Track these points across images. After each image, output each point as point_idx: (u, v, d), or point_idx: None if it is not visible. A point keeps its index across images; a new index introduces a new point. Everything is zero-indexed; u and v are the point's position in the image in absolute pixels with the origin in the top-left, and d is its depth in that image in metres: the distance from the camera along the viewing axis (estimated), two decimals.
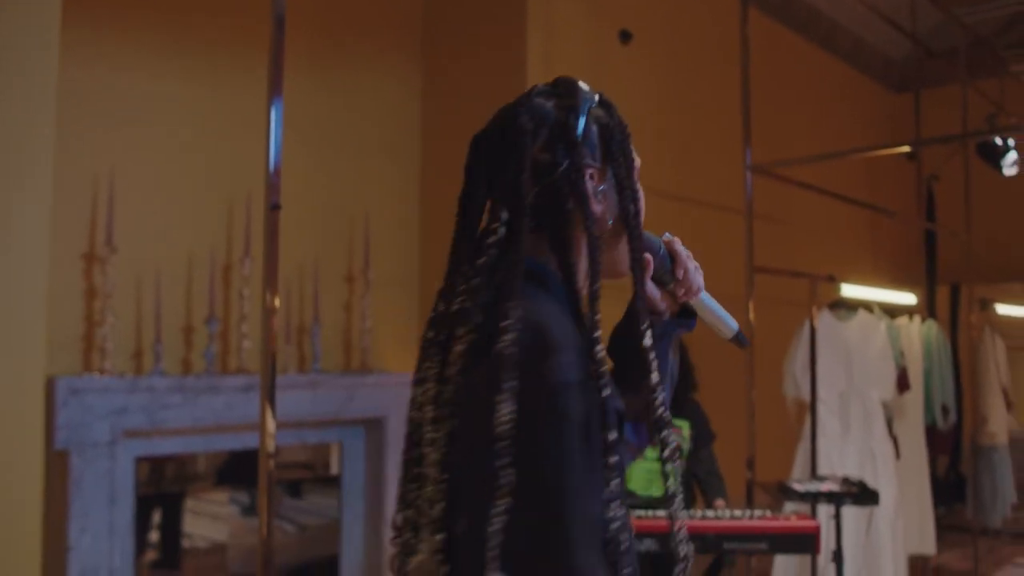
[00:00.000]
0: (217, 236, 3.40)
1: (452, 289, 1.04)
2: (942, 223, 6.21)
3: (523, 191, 0.99)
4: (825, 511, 3.20)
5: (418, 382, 1.05)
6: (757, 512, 2.85)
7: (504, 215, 1.01)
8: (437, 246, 4.07)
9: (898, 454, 4.24)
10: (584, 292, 1.04)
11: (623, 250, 1.08)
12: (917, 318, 4.81)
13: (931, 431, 4.84)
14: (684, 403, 3.20)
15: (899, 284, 5.36)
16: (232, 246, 3.42)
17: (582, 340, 0.97)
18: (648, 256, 1.08)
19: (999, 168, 5.82)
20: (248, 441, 3.27)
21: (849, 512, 3.49)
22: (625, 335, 1.13)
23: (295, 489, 3.92)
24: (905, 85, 7.08)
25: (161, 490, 3.41)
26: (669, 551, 2.73)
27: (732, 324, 1.23)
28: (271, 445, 1.92)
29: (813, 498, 3.06)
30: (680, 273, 1.14)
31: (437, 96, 4.15)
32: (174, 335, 3.27)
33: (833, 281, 3.90)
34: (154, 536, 3.41)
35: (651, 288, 1.13)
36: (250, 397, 3.14)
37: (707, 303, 1.21)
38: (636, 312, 1.04)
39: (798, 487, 3.10)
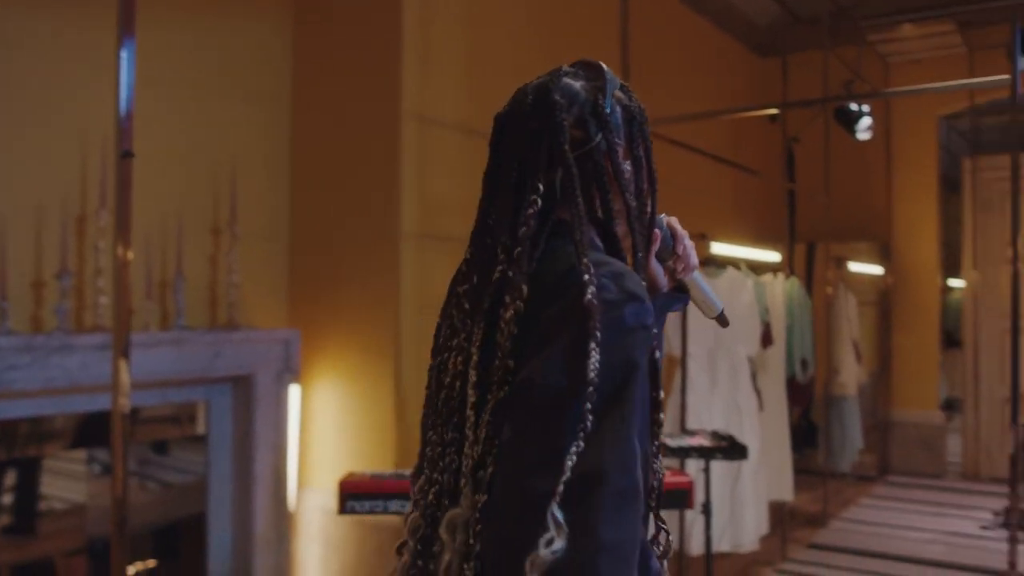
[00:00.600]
0: (70, 184, 3.16)
1: (482, 262, 1.07)
2: (801, 184, 6.49)
3: (569, 159, 1.04)
4: (695, 465, 3.31)
5: (453, 349, 1.08)
6: None
7: (540, 187, 1.04)
8: (309, 198, 3.94)
9: (761, 406, 4.45)
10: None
11: None
12: (781, 275, 5.02)
13: (791, 383, 5.09)
14: None
15: (763, 242, 5.59)
16: (87, 195, 3.19)
17: None
18: (656, 231, 1.16)
19: (853, 133, 6.12)
20: (106, 403, 3.09)
21: (717, 464, 3.63)
22: None
23: (161, 447, 3.76)
24: (770, 50, 7.31)
25: (13, 454, 3.19)
26: None
27: (717, 304, 1.28)
28: (125, 405, 1.80)
29: (684, 453, 3.14)
30: (680, 249, 1.21)
31: (309, 39, 3.98)
32: (22, 291, 3.04)
33: (705, 239, 4.00)
34: (7, 500, 3.20)
35: (654, 265, 1.18)
36: (108, 356, 2.95)
37: (699, 282, 1.26)
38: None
39: (670, 443, 3.19)
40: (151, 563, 3.56)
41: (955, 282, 8.70)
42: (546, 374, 0.92)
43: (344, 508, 2.67)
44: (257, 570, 3.59)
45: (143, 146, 2.99)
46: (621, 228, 1.09)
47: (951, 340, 8.74)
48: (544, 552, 0.85)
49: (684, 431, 3.68)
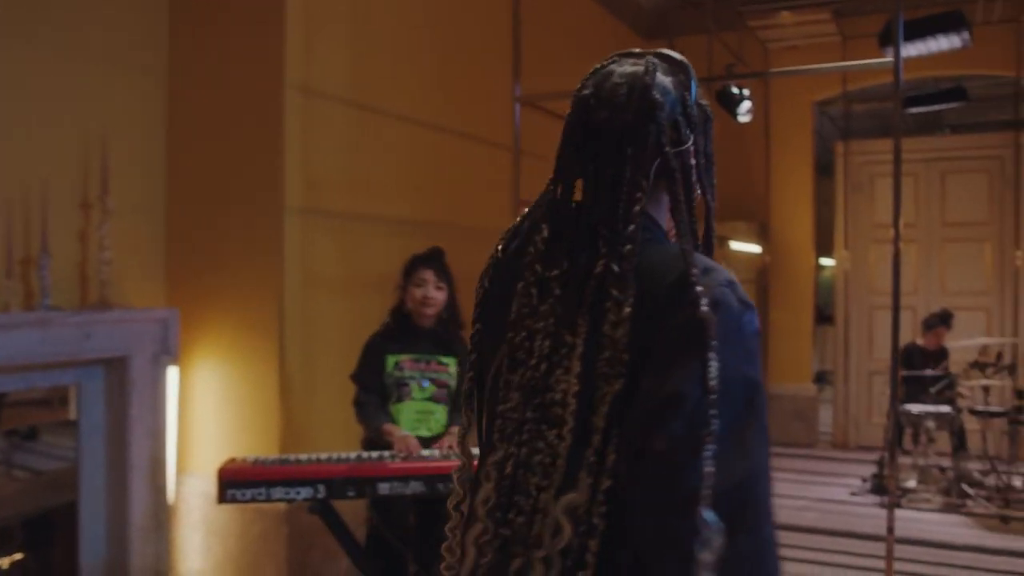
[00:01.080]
0: None
1: (576, 248, 1.08)
2: None
3: (674, 163, 1.09)
4: None
5: (539, 332, 1.07)
6: None
7: (645, 185, 1.07)
8: (187, 171, 3.76)
9: None
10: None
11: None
12: None
13: None
14: (453, 340, 3.19)
15: None
16: None
17: None
18: None
19: (734, 115, 6.30)
20: None
21: None
22: None
23: (31, 432, 3.55)
24: (657, 33, 7.45)
25: None
26: (436, 492, 2.71)
27: None
28: None
29: None
30: None
31: (187, 7, 3.79)
32: None
33: None
34: None
35: None
36: None
37: None
38: None
39: None
40: (17, 556, 3.37)
41: (827, 261, 9.11)
42: (692, 386, 0.96)
43: (224, 496, 2.57)
44: (134, 560, 3.44)
45: (3, 113, 2.79)
46: (701, 228, 1.13)
47: (822, 316, 9.17)
48: (705, 551, 0.92)
49: None
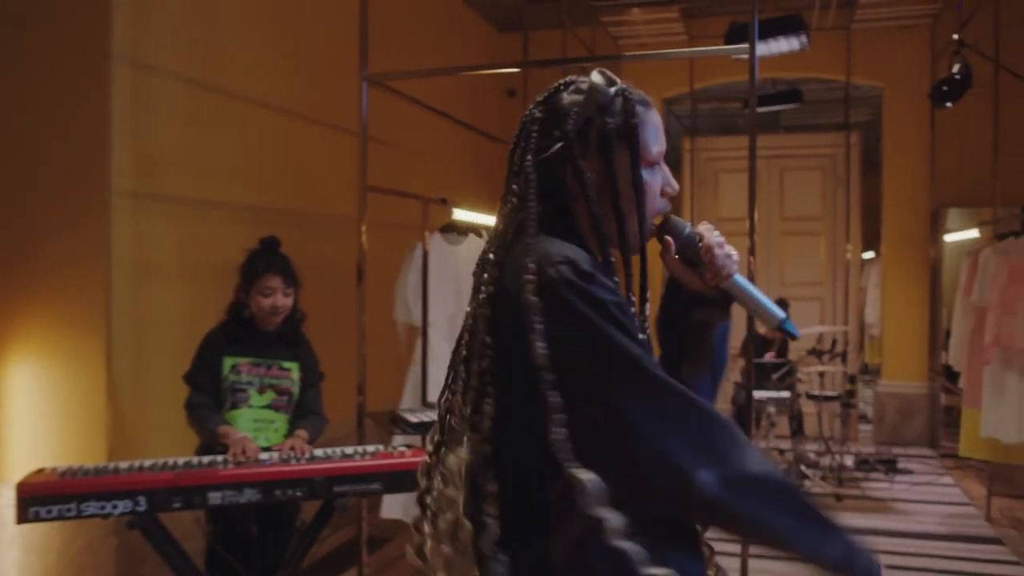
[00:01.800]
0: None
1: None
2: None
3: (526, 167, 1.21)
4: None
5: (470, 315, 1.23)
6: (369, 448, 2.73)
7: (515, 188, 1.22)
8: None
9: None
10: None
11: (631, 227, 1.20)
12: None
13: None
14: (295, 342, 2.99)
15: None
16: None
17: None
18: (668, 239, 1.24)
19: None
20: None
21: None
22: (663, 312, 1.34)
23: None
24: (511, 26, 7.43)
25: None
26: (273, 500, 2.52)
27: (776, 312, 1.22)
28: None
29: (426, 429, 3.01)
30: (707, 257, 1.22)
31: None
32: None
33: (446, 204, 3.92)
34: None
35: (680, 269, 1.27)
36: None
37: (745, 288, 1.24)
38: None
39: (411, 418, 3.05)
40: None
41: None
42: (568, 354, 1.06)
43: (25, 515, 2.23)
44: None
45: None
46: (584, 228, 1.21)
47: None
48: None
49: (425, 403, 3.58)
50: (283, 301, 2.87)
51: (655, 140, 1.23)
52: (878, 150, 7.67)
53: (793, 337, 1.24)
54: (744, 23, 6.22)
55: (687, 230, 1.24)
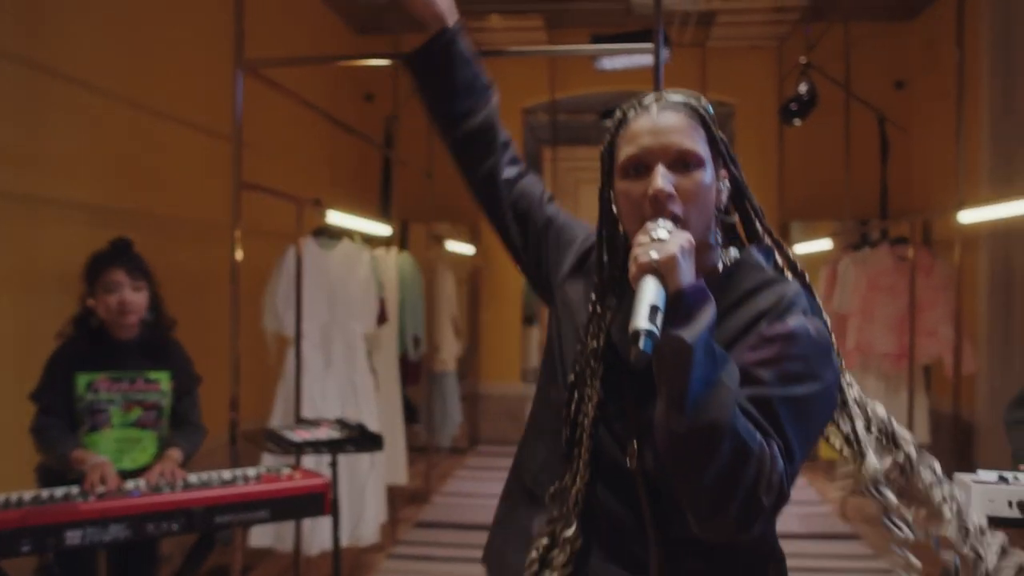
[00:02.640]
0: None
1: None
2: (408, 161, 6.44)
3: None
4: (315, 460, 2.95)
5: None
6: (251, 472, 2.45)
7: None
8: None
9: (377, 386, 4.24)
10: None
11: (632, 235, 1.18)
12: (394, 249, 4.87)
13: (403, 361, 4.97)
14: (164, 348, 2.67)
15: (369, 216, 5.39)
16: None
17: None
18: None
19: None
20: None
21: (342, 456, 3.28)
22: None
23: None
24: (370, 27, 7.21)
25: None
26: (145, 535, 2.19)
27: (635, 322, 0.99)
28: None
29: (313, 448, 2.74)
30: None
31: None
32: None
33: (320, 206, 3.66)
34: None
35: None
36: None
37: (638, 292, 1.04)
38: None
39: (294, 437, 2.76)
40: None
41: None
42: None
43: None
44: None
45: None
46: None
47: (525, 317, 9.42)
48: None
49: (300, 420, 3.29)
50: (131, 296, 2.53)
51: (630, 141, 1.19)
52: None
53: (640, 360, 0.99)
54: (609, 34, 6.30)
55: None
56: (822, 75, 5.96)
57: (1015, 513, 1.93)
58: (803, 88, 5.92)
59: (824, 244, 5.74)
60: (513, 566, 1.27)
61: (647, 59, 6.02)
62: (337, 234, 4.02)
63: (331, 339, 3.92)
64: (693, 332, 1.00)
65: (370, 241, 4.52)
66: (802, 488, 6.06)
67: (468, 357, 7.43)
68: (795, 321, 1.12)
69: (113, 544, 2.17)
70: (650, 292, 1.02)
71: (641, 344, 0.96)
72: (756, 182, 7.29)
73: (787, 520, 5.21)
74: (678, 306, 1.01)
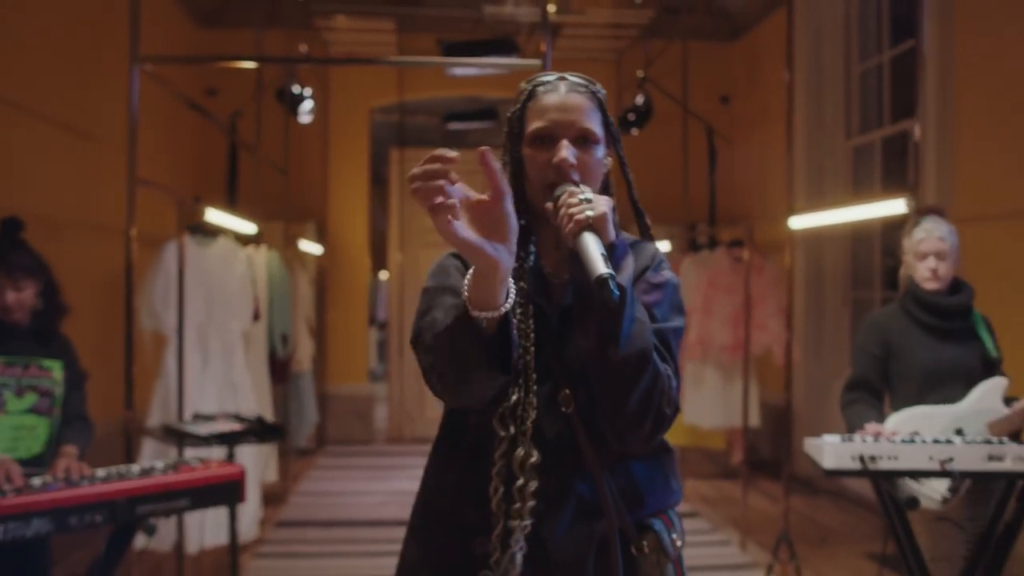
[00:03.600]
0: None
1: None
2: (262, 159, 6.35)
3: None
4: (217, 452, 2.94)
5: None
6: (160, 464, 2.46)
7: None
8: None
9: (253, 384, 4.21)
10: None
11: (536, 200, 1.37)
12: (263, 247, 4.82)
13: (272, 359, 4.94)
14: (55, 337, 2.60)
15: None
16: None
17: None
18: (548, 205, 1.31)
19: (296, 114, 6.17)
20: None
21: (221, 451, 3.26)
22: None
23: None
24: (212, 20, 7.05)
25: None
26: (68, 529, 2.19)
27: (595, 267, 1.14)
28: None
29: (219, 440, 2.75)
30: (554, 218, 1.28)
31: None
32: None
33: (199, 203, 3.62)
34: None
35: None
36: None
37: (584, 245, 1.18)
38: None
39: (199, 430, 2.77)
40: None
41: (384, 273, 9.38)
42: None
43: None
44: None
45: None
46: None
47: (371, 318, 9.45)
48: None
49: (198, 416, 3.26)
50: (12, 297, 2.47)
51: (539, 113, 1.35)
52: None
53: (609, 302, 1.13)
54: (460, 42, 6.50)
55: (559, 192, 1.28)
56: (657, 88, 6.42)
57: (857, 465, 2.31)
58: (640, 100, 6.36)
59: (663, 246, 6.20)
60: None
61: (494, 69, 6.30)
62: (213, 231, 3.98)
63: (208, 337, 3.87)
64: (624, 278, 1.22)
65: (240, 239, 4.48)
66: None
67: (315, 357, 7.41)
68: (668, 272, 1.40)
69: (35, 539, 2.12)
70: (596, 244, 1.18)
71: (612, 287, 1.12)
72: None
73: None
74: (611, 256, 1.19)
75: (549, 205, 1.28)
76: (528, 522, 1.26)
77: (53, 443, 2.53)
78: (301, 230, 6.82)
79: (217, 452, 2.99)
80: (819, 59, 6.05)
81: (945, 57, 4.25)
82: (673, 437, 5.71)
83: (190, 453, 2.95)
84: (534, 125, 1.34)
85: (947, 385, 2.50)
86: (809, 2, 5.97)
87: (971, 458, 2.25)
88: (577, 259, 1.19)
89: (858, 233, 5.67)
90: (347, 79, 7.66)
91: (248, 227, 4.55)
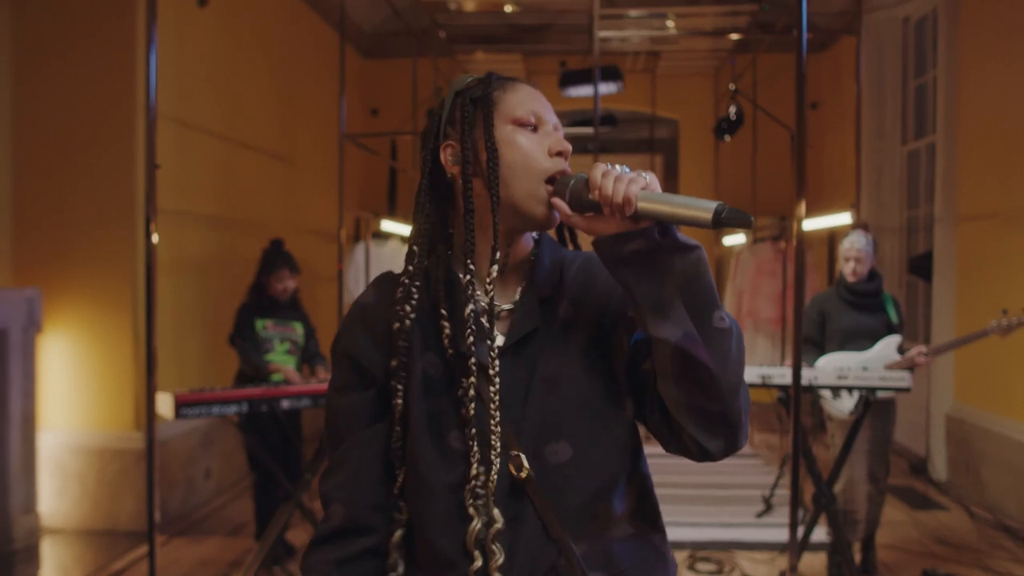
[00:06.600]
0: None
1: None
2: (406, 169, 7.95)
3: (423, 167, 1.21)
4: None
5: None
6: None
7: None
8: (33, 162, 4.35)
9: None
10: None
11: (516, 195, 1.13)
12: None
13: None
14: (298, 308, 4.21)
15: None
16: None
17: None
18: (555, 200, 1.11)
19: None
20: None
21: None
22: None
23: None
24: (374, 52, 8.65)
25: None
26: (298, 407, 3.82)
27: (705, 205, 0.99)
28: None
29: None
30: (595, 194, 1.06)
31: (34, 11, 4.32)
32: None
33: (378, 216, 5.18)
34: None
35: (586, 222, 1.10)
36: None
37: (657, 201, 1.02)
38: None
39: None
40: None
41: None
42: None
43: (179, 414, 3.13)
44: (12, 501, 4.03)
45: None
46: (455, 221, 1.22)
47: None
48: None
49: None
50: (292, 284, 4.12)
51: (520, 104, 1.17)
52: (676, 167, 9.56)
53: (746, 224, 0.97)
54: (577, 70, 7.85)
55: (572, 181, 1.11)
56: (746, 99, 7.52)
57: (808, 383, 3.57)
58: (732, 110, 7.49)
59: (741, 239, 7.41)
60: None
61: (610, 89, 7.65)
62: (385, 235, 5.57)
63: None
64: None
65: (404, 240, 6.08)
66: None
67: None
68: None
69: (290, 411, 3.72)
70: (669, 198, 1.02)
71: (736, 216, 0.97)
72: (698, 185, 8.88)
73: None
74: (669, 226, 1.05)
75: (556, 199, 1.10)
76: None
77: (300, 368, 4.14)
78: None
79: None
80: (881, 73, 7.03)
81: (950, 83, 5.31)
82: None
83: None
84: (523, 109, 1.16)
85: (860, 340, 3.72)
86: (875, 23, 6.94)
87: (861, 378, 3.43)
88: (649, 230, 1.04)
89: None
90: None
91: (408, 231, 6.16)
